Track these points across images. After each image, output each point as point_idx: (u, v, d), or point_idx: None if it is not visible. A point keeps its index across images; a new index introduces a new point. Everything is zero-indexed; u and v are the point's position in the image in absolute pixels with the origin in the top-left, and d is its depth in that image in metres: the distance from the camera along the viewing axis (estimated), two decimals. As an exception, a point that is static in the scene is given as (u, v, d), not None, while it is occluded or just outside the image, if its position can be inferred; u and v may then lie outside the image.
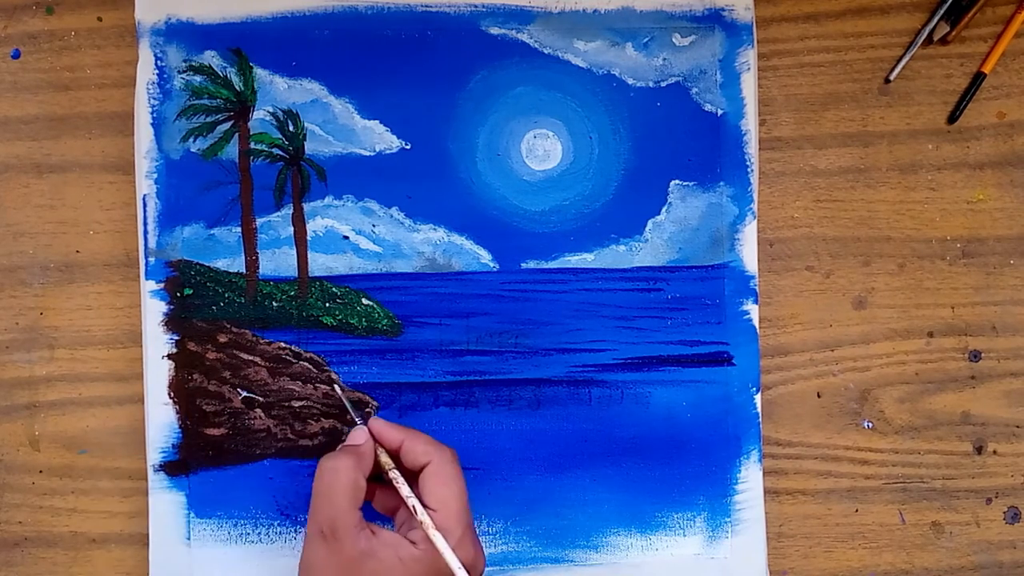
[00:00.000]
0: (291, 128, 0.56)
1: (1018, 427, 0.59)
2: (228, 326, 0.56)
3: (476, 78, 0.56)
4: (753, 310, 0.57)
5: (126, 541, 0.57)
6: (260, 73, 0.56)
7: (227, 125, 0.56)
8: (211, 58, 0.56)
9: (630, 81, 0.57)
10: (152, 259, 0.55)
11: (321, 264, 0.56)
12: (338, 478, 0.47)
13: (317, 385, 0.56)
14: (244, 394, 0.56)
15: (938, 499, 0.58)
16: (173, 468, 0.55)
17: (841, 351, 0.58)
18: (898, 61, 0.58)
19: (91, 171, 0.57)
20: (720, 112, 0.57)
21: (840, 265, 0.58)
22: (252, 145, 0.56)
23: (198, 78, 0.56)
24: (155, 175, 0.55)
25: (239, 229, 0.56)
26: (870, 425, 0.58)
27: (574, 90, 0.57)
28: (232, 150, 0.56)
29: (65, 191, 0.57)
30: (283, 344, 0.56)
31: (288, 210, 0.56)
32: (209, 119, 0.56)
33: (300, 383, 0.56)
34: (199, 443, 0.55)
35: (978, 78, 0.58)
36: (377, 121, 0.56)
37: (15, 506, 0.57)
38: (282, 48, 0.56)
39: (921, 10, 0.58)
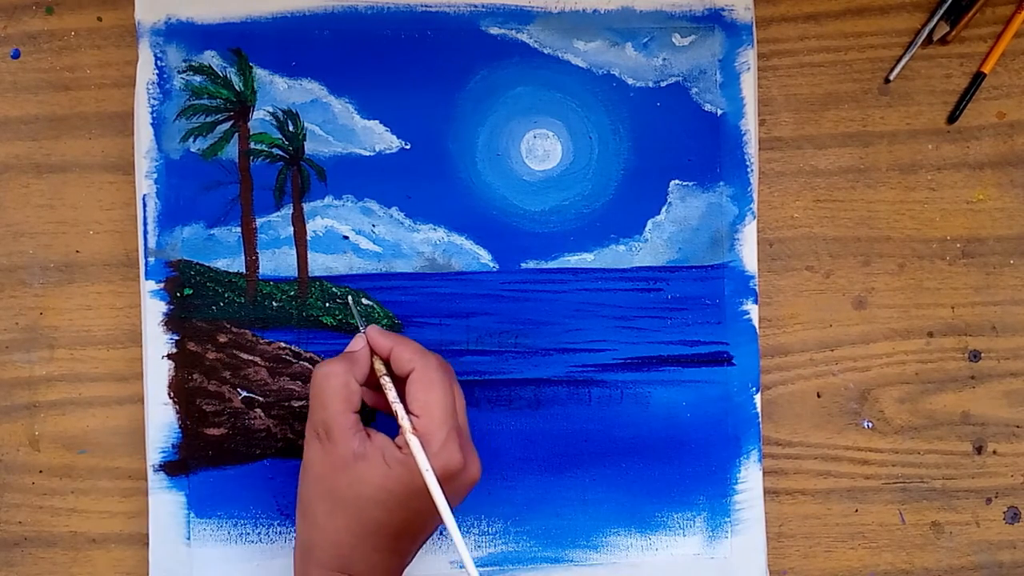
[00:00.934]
0: (291, 128, 0.56)
1: (1018, 427, 0.59)
2: (228, 326, 0.56)
3: (476, 78, 0.56)
4: (753, 310, 0.57)
5: (126, 541, 0.57)
6: (260, 73, 0.56)
7: (227, 125, 0.56)
8: (211, 58, 0.56)
9: (630, 81, 0.57)
10: (152, 259, 0.55)
11: (321, 264, 0.56)
12: (330, 381, 0.48)
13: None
14: (244, 394, 0.56)
15: (938, 499, 0.58)
16: (173, 468, 0.55)
17: (841, 351, 0.58)
18: (898, 61, 0.58)
19: (91, 171, 0.57)
20: (720, 112, 0.57)
21: (840, 265, 0.58)
22: (252, 145, 0.56)
23: (198, 78, 0.56)
24: (155, 175, 0.55)
25: (239, 229, 0.56)
26: (870, 425, 0.58)
27: (574, 90, 0.57)
28: (232, 150, 0.56)
29: (65, 191, 0.57)
30: (283, 344, 0.56)
31: (288, 210, 0.56)
32: (209, 119, 0.56)
33: (300, 383, 0.56)
34: (199, 443, 0.55)
35: (978, 78, 0.58)
36: (377, 121, 0.56)
37: (15, 506, 0.57)
38: (282, 48, 0.56)
39: (921, 10, 0.58)
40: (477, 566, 0.56)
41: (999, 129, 0.59)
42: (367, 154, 0.56)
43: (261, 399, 0.56)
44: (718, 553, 0.57)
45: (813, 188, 0.58)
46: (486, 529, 0.56)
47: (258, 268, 0.56)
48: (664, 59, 0.57)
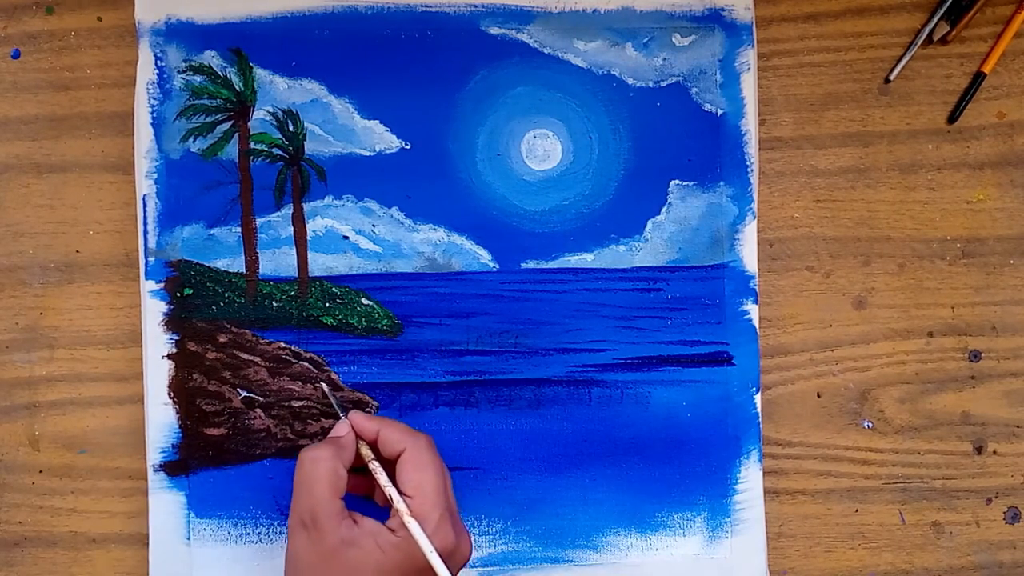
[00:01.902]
0: (291, 128, 0.56)
1: (1018, 427, 0.59)
2: (228, 326, 0.56)
3: (476, 78, 0.56)
4: (753, 310, 0.57)
5: (126, 541, 0.57)
6: (260, 73, 0.56)
7: (227, 125, 0.56)
8: (211, 58, 0.56)
9: (630, 81, 0.57)
10: (152, 259, 0.55)
11: (321, 264, 0.56)
12: (317, 468, 0.48)
13: (317, 385, 0.56)
14: (244, 394, 0.56)
15: (938, 499, 0.58)
16: (173, 468, 0.55)
17: (841, 351, 0.58)
18: (898, 61, 0.58)
19: (91, 171, 0.57)
20: (720, 112, 0.57)
21: (840, 265, 0.58)
22: (252, 145, 0.56)
23: (198, 78, 0.56)
24: (155, 175, 0.55)
25: (239, 229, 0.56)
26: (870, 425, 0.58)
27: (574, 90, 0.57)
28: (232, 150, 0.56)
29: (65, 191, 0.57)
30: (283, 344, 0.56)
31: (288, 210, 0.56)
32: (209, 119, 0.56)
33: (300, 383, 0.56)
34: (199, 443, 0.55)
35: (978, 78, 0.58)
36: (377, 121, 0.56)
37: (15, 506, 0.57)
38: (282, 48, 0.56)
39: (921, 10, 0.58)
40: (477, 566, 0.56)
41: (999, 129, 0.59)
42: (367, 154, 0.56)
43: (261, 399, 0.56)
44: (718, 553, 0.57)
45: (813, 188, 0.58)
46: (486, 529, 0.56)
47: (258, 268, 0.56)
48: (664, 59, 0.57)
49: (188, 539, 0.55)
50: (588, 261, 0.57)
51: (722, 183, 0.57)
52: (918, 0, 0.58)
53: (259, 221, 0.56)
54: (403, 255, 0.56)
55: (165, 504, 0.55)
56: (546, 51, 0.57)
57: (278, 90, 0.56)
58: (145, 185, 0.55)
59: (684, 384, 0.57)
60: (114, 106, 0.57)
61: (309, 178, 0.56)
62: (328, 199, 0.56)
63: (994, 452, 0.59)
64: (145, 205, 0.55)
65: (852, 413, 0.58)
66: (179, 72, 0.56)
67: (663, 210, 0.57)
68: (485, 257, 0.57)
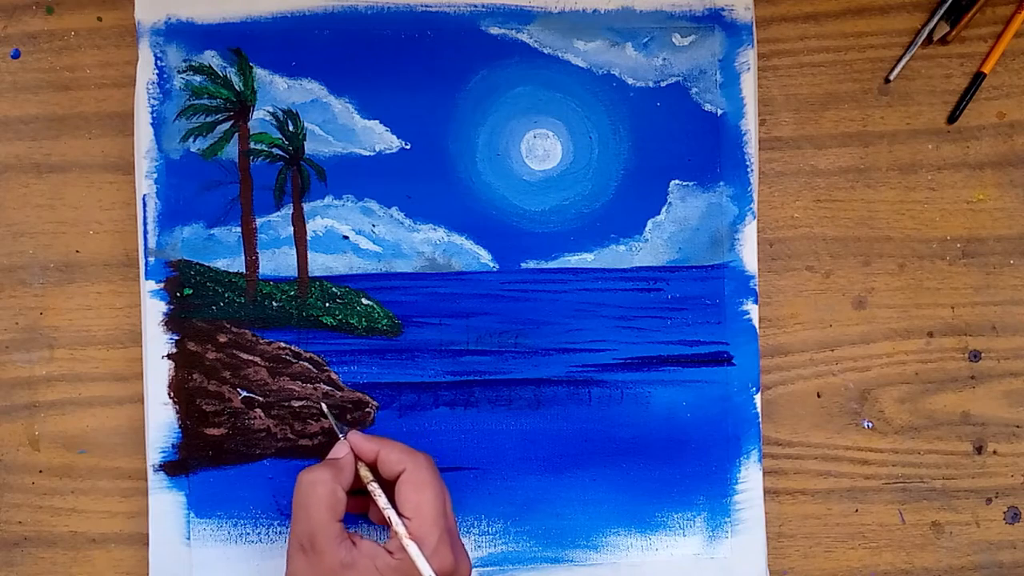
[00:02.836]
0: (291, 128, 0.56)
1: (1018, 427, 0.59)
2: (228, 326, 0.56)
3: (476, 78, 0.56)
4: (753, 310, 0.57)
5: (126, 541, 0.57)
6: (260, 73, 0.56)
7: (227, 125, 0.56)
8: (211, 58, 0.56)
9: (630, 81, 0.57)
10: (152, 259, 0.55)
11: (321, 264, 0.56)
12: (316, 490, 0.48)
13: (317, 385, 0.56)
14: (244, 394, 0.56)
15: (938, 499, 0.58)
16: (173, 468, 0.55)
17: (841, 351, 0.58)
18: (898, 61, 0.58)
19: (91, 171, 0.57)
20: (720, 112, 0.57)
21: (840, 265, 0.58)
22: (252, 145, 0.56)
23: (198, 78, 0.56)
24: (155, 175, 0.55)
25: (239, 229, 0.56)
26: (870, 425, 0.58)
27: (574, 90, 0.57)
28: (232, 150, 0.56)
29: (65, 191, 0.57)
30: (283, 344, 0.56)
31: (288, 210, 0.56)
32: (209, 119, 0.56)
33: (300, 383, 0.56)
34: (199, 443, 0.55)
35: (978, 78, 0.58)
36: (377, 121, 0.56)
37: (15, 506, 0.57)
38: (282, 48, 0.56)
39: (921, 10, 0.58)
40: (477, 566, 0.56)
41: (999, 129, 0.59)
42: (367, 154, 0.56)
43: (261, 399, 0.56)
44: (718, 553, 0.57)
45: (813, 188, 0.58)
46: (486, 529, 0.56)
47: (258, 268, 0.56)
48: (664, 59, 0.57)
49: (188, 539, 0.55)
50: (588, 261, 0.57)
51: (722, 183, 0.57)
52: (918, 0, 0.58)
53: (259, 221, 0.56)
54: (403, 255, 0.56)
55: (165, 504, 0.55)
56: (546, 51, 0.57)
57: (278, 90, 0.56)
58: (145, 185, 0.55)
59: (684, 384, 0.57)
60: (114, 106, 0.57)
61: (309, 178, 0.56)
62: (328, 199, 0.56)
63: (994, 452, 0.59)
64: (145, 205, 0.55)
65: (852, 413, 0.58)
66: (179, 72, 0.56)
67: (663, 210, 0.57)
68: (485, 257, 0.57)
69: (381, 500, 0.49)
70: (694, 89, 0.57)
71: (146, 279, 0.55)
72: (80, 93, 0.57)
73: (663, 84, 0.57)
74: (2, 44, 0.57)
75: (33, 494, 0.57)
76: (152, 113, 0.55)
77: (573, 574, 0.56)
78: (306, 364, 0.56)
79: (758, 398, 0.57)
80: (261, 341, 0.56)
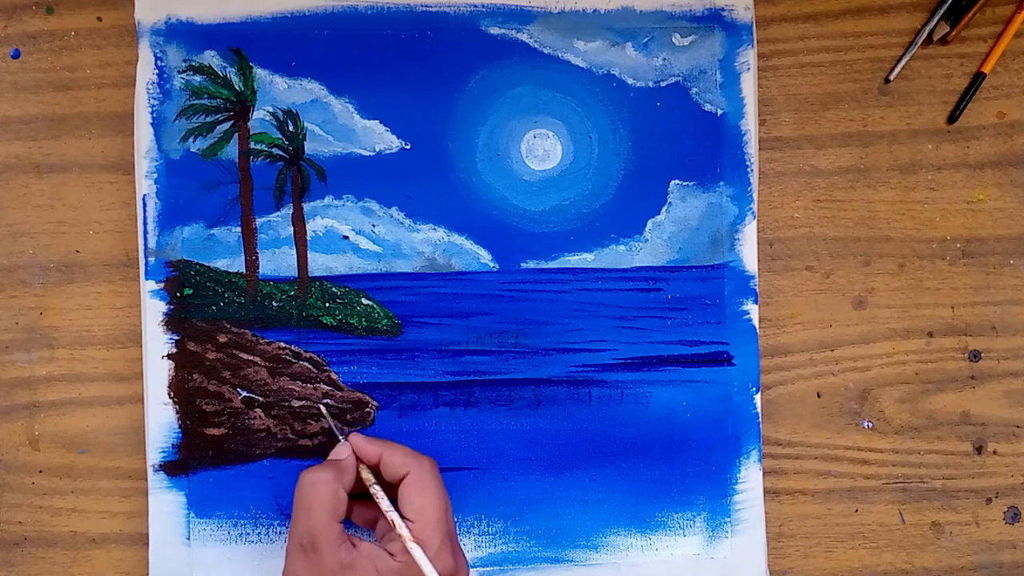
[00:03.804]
0: (291, 128, 0.56)
1: (1018, 427, 0.59)
2: (228, 326, 0.56)
3: (476, 78, 0.56)
4: (753, 310, 0.57)
5: (126, 541, 0.57)
6: (260, 73, 0.56)
7: (227, 125, 0.56)
8: (211, 58, 0.56)
9: (630, 81, 0.57)
10: (152, 259, 0.55)
11: (321, 264, 0.56)
12: (317, 490, 0.48)
13: (317, 385, 0.56)
14: (244, 394, 0.56)
15: (938, 499, 0.58)
16: (173, 468, 0.55)
17: (841, 351, 0.58)
18: (898, 61, 0.58)
19: (91, 171, 0.57)
20: (720, 112, 0.57)
21: (840, 265, 0.58)
22: (252, 145, 0.56)
23: (198, 78, 0.56)
24: (155, 175, 0.55)
25: (239, 229, 0.56)
26: (870, 425, 0.58)
27: (574, 90, 0.57)
28: (232, 150, 0.56)
29: (65, 191, 0.57)
30: (283, 344, 0.56)
31: (288, 210, 0.56)
32: (209, 119, 0.56)
33: (300, 383, 0.56)
34: (199, 443, 0.55)
35: (978, 78, 0.58)
36: (377, 121, 0.56)
37: (15, 506, 0.57)
38: (282, 48, 0.56)
39: (921, 10, 0.58)
40: (477, 566, 0.56)
41: (999, 129, 0.59)
42: (367, 154, 0.56)
43: (261, 399, 0.56)
44: (718, 553, 0.57)
45: (813, 188, 0.58)
46: (486, 529, 0.56)
47: (258, 268, 0.56)
48: (664, 59, 0.57)
49: (188, 539, 0.55)
50: (588, 261, 0.57)
51: (722, 183, 0.57)
52: (918, 0, 0.58)
53: (259, 221, 0.56)
54: (403, 255, 0.56)
55: (165, 504, 0.55)
56: (546, 51, 0.57)
57: (278, 90, 0.56)
58: (145, 185, 0.55)
59: (684, 384, 0.57)
60: (114, 106, 0.57)
61: (309, 178, 0.56)
62: (328, 199, 0.56)
63: (994, 452, 0.59)
64: (145, 205, 0.55)
65: (852, 413, 0.58)
66: (179, 72, 0.56)
67: (663, 210, 0.57)
68: (485, 257, 0.57)
69: (384, 503, 0.49)
70: (694, 89, 0.57)
71: (146, 279, 0.55)
72: (80, 93, 0.57)
73: (663, 84, 0.57)
74: (2, 44, 0.57)
75: (33, 494, 0.57)
76: (152, 113, 0.55)
77: (573, 574, 0.56)
78: (306, 364, 0.56)
79: (758, 398, 0.57)
80: (261, 341, 0.56)
